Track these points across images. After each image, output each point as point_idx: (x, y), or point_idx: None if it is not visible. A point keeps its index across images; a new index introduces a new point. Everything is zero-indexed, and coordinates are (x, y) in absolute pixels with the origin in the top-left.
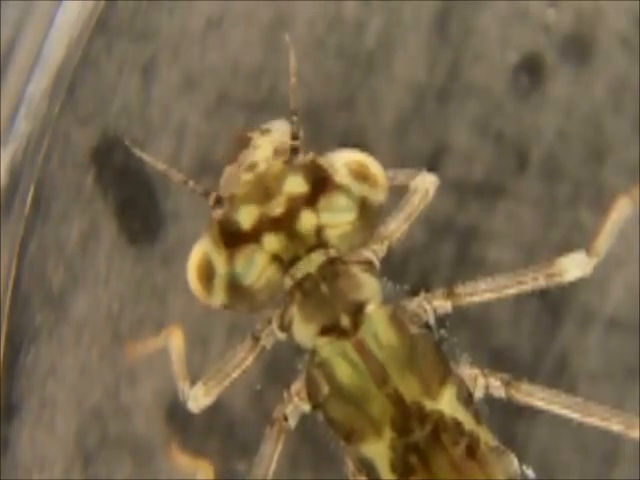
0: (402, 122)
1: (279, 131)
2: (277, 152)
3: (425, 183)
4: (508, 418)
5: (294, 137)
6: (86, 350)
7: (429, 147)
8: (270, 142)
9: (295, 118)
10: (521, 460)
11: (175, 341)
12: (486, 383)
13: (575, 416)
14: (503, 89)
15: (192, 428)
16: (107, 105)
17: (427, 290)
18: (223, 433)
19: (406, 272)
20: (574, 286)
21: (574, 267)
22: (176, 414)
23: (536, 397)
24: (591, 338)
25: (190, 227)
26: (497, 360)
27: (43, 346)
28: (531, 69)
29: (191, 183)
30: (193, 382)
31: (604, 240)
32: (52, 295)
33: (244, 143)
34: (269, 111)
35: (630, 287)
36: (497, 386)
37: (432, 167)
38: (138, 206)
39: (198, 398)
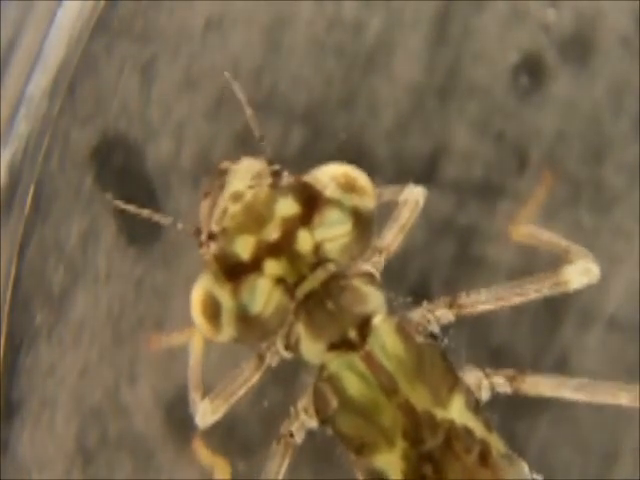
0: (402, 122)
1: (249, 161)
2: (255, 178)
3: (414, 195)
4: (508, 418)
5: (270, 162)
6: (86, 350)
7: (429, 147)
8: (244, 170)
9: (264, 144)
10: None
11: (196, 345)
12: (491, 383)
13: (583, 398)
14: (503, 89)
15: (192, 428)
16: (107, 105)
17: (429, 299)
18: (223, 433)
19: (406, 272)
20: None
21: (580, 276)
22: (176, 414)
23: (542, 386)
24: (591, 338)
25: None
26: (497, 360)
27: (43, 346)
28: (531, 69)
29: (180, 225)
30: (204, 394)
31: (573, 247)
32: (52, 295)
33: (219, 175)
34: (269, 111)
35: (630, 287)
36: (502, 383)
37: (432, 167)
38: (138, 206)
39: (206, 415)
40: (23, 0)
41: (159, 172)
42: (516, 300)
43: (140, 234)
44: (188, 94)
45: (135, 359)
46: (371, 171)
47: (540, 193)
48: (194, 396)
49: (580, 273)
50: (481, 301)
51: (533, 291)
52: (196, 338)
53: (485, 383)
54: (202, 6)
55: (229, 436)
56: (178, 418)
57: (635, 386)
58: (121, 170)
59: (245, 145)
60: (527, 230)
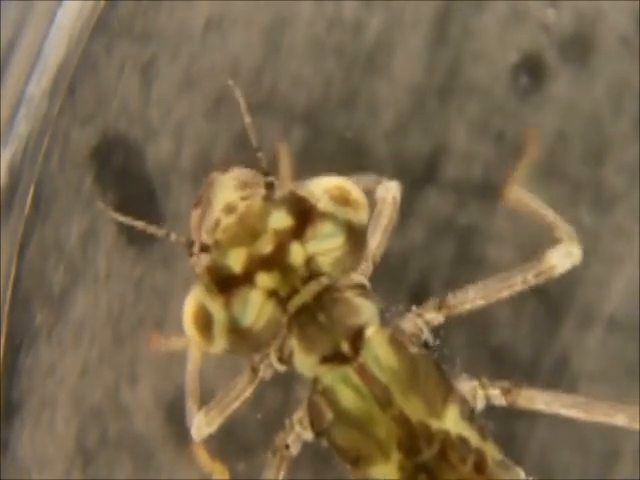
0: (402, 122)
1: (239, 170)
2: (244, 188)
3: (390, 192)
4: (508, 418)
5: (265, 173)
6: (86, 350)
7: (429, 147)
8: (234, 180)
9: (260, 154)
10: (521, 461)
11: (195, 352)
12: (486, 394)
13: (578, 415)
14: (503, 89)
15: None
16: (107, 105)
17: (426, 296)
18: (223, 433)
19: (406, 272)
20: (574, 286)
21: (563, 259)
22: (176, 414)
23: (537, 401)
24: (591, 338)
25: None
26: (496, 360)
27: (43, 346)
28: (531, 69)
29: (173, 235)
30: (200, 404)
31: (561, 224)
32: (52, 295)
33: (209, 186)
34: (269, 111)
35: (630, 287)
36: (497, 395)
37: (432, 167)
38: (138, 206)
39: (201, 428)
40: (23, 0)
41: (159, 172)
42: (504, 293)
43: (140, 234)
44: (188, 94)
45: (135, 359)
46: (371, 171)
47: (531, 152)
48: (190, 406)
49: (563, 257)
50: (469, 299)
51: (520, 282)
52: (194, 350)
53: (480, 393)
54: (202, 6)
55: (229, 436)
56: (178, 418)
57: (632, 407)
58: (121, 170)
59: (245, 145)
60: (520, 195)
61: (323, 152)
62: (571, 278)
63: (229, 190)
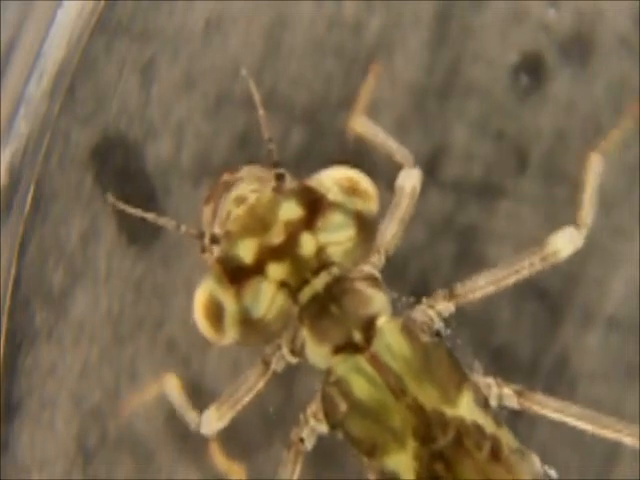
0: (402, 122)
1: (251, 168)
2: (258, 182)
3: (411, 180)
4: (508, 417)
5: (276, 165)
6: (86, 350)
7: (429, 147)
8: (248, 174)
9: (272, 146)
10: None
11: (171, 385)
12: (499, 392)
13: (588, 428)
14: (503, 89)
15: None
16: (107, 105)
17: (427, 295)
18: (224, 433)
19: (406, 272)
20: (574, 286)
21: (567, 243)
22: (176, 414)
23: (549, 408)
24: (591, 338)
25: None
26: (497, 360)
27: (43, 346)
28: (531, 69)
29: (183, 227)
30: (202, 409)
31: (588, 208)
32: (52, 295)
33: (222, 185)
34: (269, 111)
35: (630, 287)
36: (510, 396)
37: (432, 167)
38: (138, 206)
39: (212, 422)
40: (23, 0)
41: (159, 172)
42: (511, 280)
43: (140, 234)
44: (188, 94)
45: (135, 359)
46: (371, 171)
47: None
48: (190, 416)
49: (567, 241)
50: (478, 287)
51: (527, 267)
52: (169, 381)
53: (495, 391)
54: (202, 6)
55: (230, 436)
56: (178, 418)
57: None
58: (121, 170)
59: (245, 145)
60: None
61: (323, 152)
62: (571, 278)
63: (242, 184)
